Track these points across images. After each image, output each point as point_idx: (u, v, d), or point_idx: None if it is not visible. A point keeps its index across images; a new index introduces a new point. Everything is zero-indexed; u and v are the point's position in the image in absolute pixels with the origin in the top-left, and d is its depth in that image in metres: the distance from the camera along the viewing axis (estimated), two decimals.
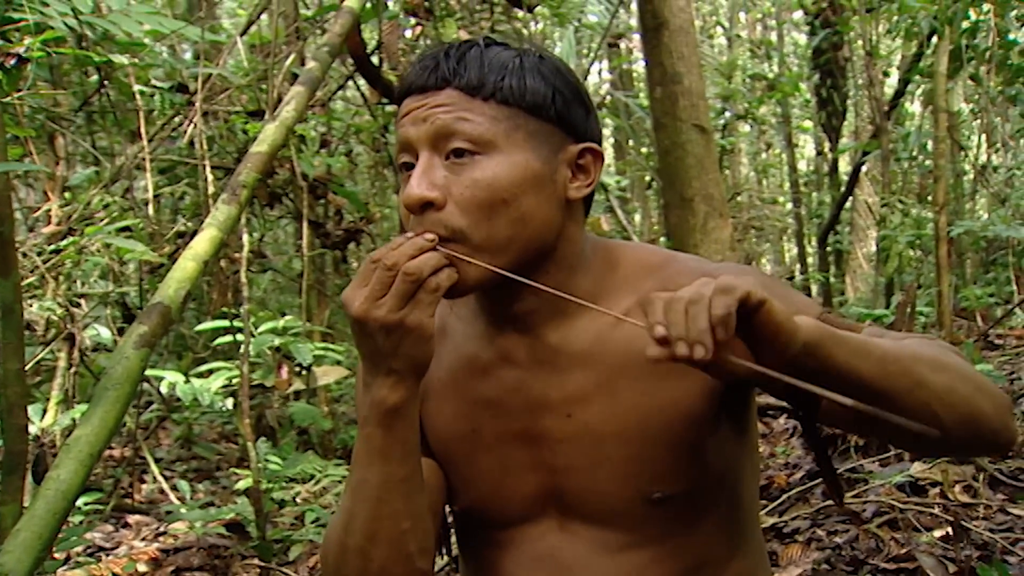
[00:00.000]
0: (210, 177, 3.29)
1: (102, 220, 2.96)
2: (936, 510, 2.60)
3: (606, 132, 10.05)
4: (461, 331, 1.12)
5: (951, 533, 2.31)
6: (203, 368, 3.77)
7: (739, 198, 11.01)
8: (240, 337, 3.21)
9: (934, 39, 5.67)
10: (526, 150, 1.00)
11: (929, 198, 6.88)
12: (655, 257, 1.10)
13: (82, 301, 3.43)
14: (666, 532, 1.07)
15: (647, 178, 9.91)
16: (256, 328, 3.60)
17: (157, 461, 4.19)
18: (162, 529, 3.51)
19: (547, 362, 1.06)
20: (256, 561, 2.95)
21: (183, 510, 3.40)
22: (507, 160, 0.99)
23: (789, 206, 12.29)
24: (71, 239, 2.69)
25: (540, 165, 1.01)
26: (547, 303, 1.05)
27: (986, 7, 4.58)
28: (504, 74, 1.00)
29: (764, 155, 12.96)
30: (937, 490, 2.79)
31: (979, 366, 3.22)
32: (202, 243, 2.38)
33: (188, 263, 2.30)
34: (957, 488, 2.76)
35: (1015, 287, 5.96)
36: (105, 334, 3.63)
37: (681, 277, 1.04)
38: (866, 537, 2.70)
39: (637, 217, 10.82)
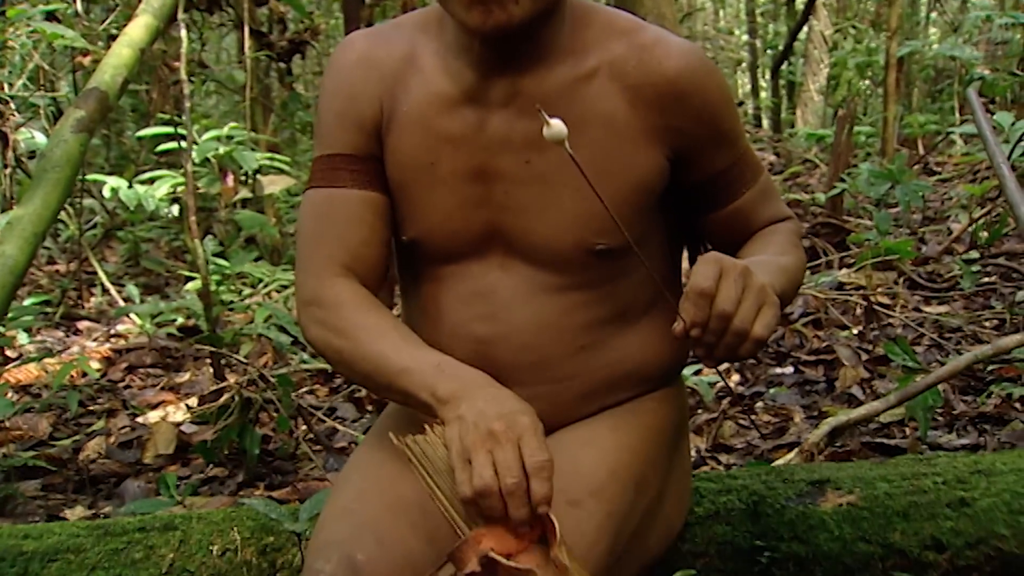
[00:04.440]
0: None
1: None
2: (856, 299, 2.73)
3: None
4: (432, 65, 1.13)
5: (861, 316, 2.46)
6: (146, 176, 3.72)
7: (695, 27, 10.78)
8: (184, 144, 3.15)
9: None
10: None
11: (884, 24, 6.84)
12: (626, 23, 1.13)
13: (11, 103, 3.30)
14: (599, 280, 1.14)
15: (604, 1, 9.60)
16: (200, 136, 3.53)
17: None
18: (113, 332, 3.57)
19: (515, 105, 1.09)
20: (208, 360, 3.03)
21: (133, 315, 3.45)
22: None
23: (745, 37, 12.09)
24: None
25: None
26: (535, 48, 1.08)
27: None
28: None
29: None
30: (860, 292, 2.94)
31: (916, 183, 3.31)
32: (137, 29, 2.31)
33: (123, 49, 2.24)
34: (879, 290, 2.91)
35: (958, 116, 6.05)
36: (41, 139, 3.53)
37: (654, 48, 1.09)
38: (791, 335, 2.87)
39: None
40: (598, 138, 1.09)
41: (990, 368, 2.20)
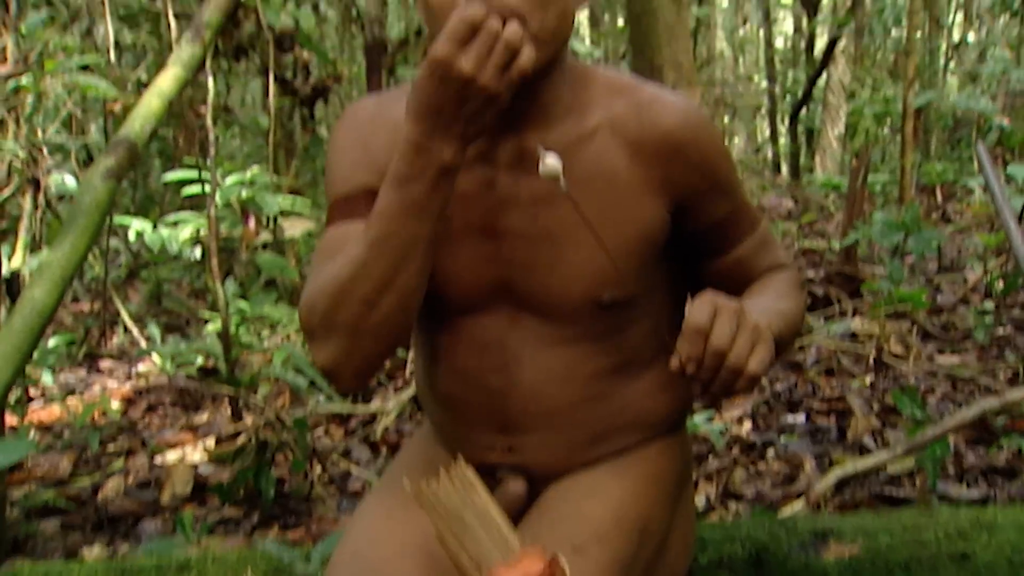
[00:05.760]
0: (173, 24, 3.23)
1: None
2: (868, 349, 2.74)
3: None
4: None
5: (873, 365, 2.46)
6: (171, 219, 3.80)
7: (715, 74, 10.90)
8: (208, 189, 3.23)
9: None
10: None
11: (901, 73, 6.88)
12: (624, 82, 1.17)
13: (44, 149, 3.40)
14: (605, 331, 1.17)
15: (621, 49, 9.78)
16: (223, 180, 3.62)
17: None
18: (134, 371, 3.62)
19: (521, 163, 1.13)
20: (226, 402, 3.07)
21: (154, 355, 3.50)
22: None
23: (764, 84, 12.22)
24: (30, 72, 2.65)
25: None
26: (538, 108, 1.11)
27: None
28: None
29: (741, 31, 12.77)
30: (874, 342, 2.95)
31: (929, 232, 3.32)
32: (166, 81, 2.39)
33: (153, 100, 2.32)
34: (892, 340, 2.92)
35: (976, 165, 6.06)
36: (71, 183, 3.63)
37: (652, 105, 1.13)
38: (804, 383, 2.88)
39: None
40: (602, 193, 1.13)
41: (1001, 418, 2.20)
